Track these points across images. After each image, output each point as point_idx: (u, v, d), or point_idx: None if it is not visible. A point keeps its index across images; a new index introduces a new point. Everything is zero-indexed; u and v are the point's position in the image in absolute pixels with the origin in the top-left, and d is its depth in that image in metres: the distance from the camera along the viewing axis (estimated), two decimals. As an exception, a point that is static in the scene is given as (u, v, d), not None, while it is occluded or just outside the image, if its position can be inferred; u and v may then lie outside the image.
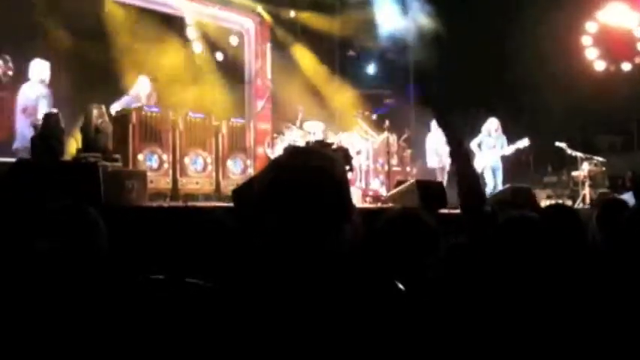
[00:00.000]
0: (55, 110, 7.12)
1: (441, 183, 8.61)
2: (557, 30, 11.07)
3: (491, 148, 10.16)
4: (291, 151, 1.63)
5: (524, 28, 10.81)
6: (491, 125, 10.24)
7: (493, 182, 9.95)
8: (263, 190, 1.47)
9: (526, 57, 11.00)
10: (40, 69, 7.58)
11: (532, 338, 1.88)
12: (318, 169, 1.47)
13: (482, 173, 9.81)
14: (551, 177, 11.79)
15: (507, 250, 2.13)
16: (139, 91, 8.35)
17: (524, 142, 10.11)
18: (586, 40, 12.61)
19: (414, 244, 2.25)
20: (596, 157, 10.70)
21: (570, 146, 10.67)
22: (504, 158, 10.23)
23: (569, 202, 10.22)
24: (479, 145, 10.15)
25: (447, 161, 9.91)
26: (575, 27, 12.36)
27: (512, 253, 2.12)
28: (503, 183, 9.95)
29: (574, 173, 10.84)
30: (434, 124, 9.40)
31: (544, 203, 9.70)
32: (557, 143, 10.76)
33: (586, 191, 10.36)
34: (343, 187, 1.51)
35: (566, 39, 12.00)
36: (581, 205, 10.10)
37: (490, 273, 2.15)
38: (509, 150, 10.18)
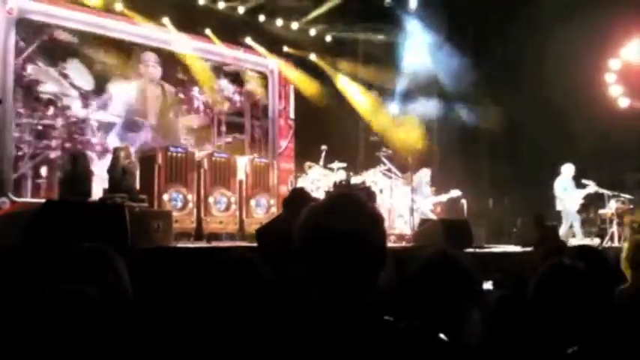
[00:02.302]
0: (82, 151, 7.27)
1: (466, 221, 8.52)
2: (581, 67, 11.04)
3: (426, 197, 10.38)
4: (333, 196, 1.62)
5: (548, 67, 10.81)
6: (426, 176, 10.46)
7: None
8: (304, 236, 1.47)
9: (549, 95, 10.97)
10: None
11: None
12: (362, 217, 1.45)
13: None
14: (579, 215, 11.63)
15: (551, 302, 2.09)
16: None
17: (456, 193, 10.36)
18: (610, 78, 12.56)
19: (454, 288, 2.16)
20: (623, 195, 10.57)
21: (598, 184, 10.56)
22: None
23: (597, 240, 10.06)
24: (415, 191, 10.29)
25: None
26: (599, 64, 12.33)
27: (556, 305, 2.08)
28: (527, 220, 9.97)
29: (601, 211, 10.70)
30: None
31: (572, 241, 9.57)
32: (584, 181, 10.65)
33: (614, 229, 10.21)
34: (383, 234, 1.50)
35: (591, 76, 11.95)
36: (609, 244, 9.92)
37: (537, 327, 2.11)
38: (441, 198, 10.47)
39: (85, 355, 1.52)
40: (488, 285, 4.80)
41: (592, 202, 11.12)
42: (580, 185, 10.44)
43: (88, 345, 1.52)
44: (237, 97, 8.47)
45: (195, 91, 8.33)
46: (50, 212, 4.70)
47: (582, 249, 2.80)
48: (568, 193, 10.39)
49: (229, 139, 8.97)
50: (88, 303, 1.59)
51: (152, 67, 8.48)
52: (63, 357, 1.50)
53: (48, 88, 7.73)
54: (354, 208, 1.47)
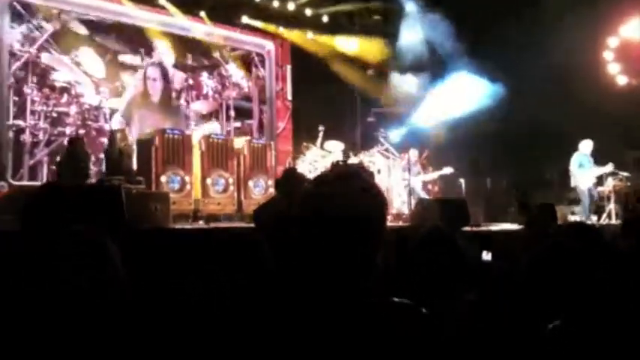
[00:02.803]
0: (79, 134, 7.29)
1: (463, 200, 8.55)
2: (579, 45, 11.00)
3: (414, 175, 10.38)
4: (335, 174, 1.58)
5: (546, 44, 10.77)
6: (413, 155, 10.44)
7: None
8: (303, 213, 1.44)
9: (547, 73, 10.93)
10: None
11: None
12: (363, 196, 1.43)
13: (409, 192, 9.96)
14: (574, 193, 11.66)
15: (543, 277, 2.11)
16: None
17: (448, 170, 10.42)
18: (608, 55, 12.52)
19: (448, 265, 2.16)
20: (621, 173, 10.59)
21: (595, 162, 10.57)
22: None
23: (594, 218, 10.10)
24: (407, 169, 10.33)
25: None
26: (597, 42, 12.29)
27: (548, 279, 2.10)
28: (528, 200, 9.94)
29: (599, 189, 10.72)
30: None
31: (569, 219, 9.61)
32: (605, 168, 10.66)
33: (611, 207, 10.24)
34: (384, 215, 1.48)
35: (589, 54, 11.92)
36: (607, 221, 9.96)
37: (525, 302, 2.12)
38: (433, 175, 10.55)
39: (81, 342, 1.53)
40: (488, 257, 4.85)
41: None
42: (598, 163, 10.38)
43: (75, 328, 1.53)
44: (245, 83, 8.27)
45: (205, 76, 8.17)
46: (47, 194, 4.70)
47: (576, 227, 2.80)
48: (584, 170, 10.31)
49: (238, 124, 8.84)
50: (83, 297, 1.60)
51: (163, 54, 8.37)
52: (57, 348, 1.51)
53: (61, 76, 7.73)
54: (356, 187, 1.44)
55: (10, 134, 7.78)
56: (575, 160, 10.44)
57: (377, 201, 1.45)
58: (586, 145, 10.50)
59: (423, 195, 10.24)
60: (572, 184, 10.50)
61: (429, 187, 10.59)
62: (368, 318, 1.36)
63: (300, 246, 1.42)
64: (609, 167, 10.39)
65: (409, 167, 9.95)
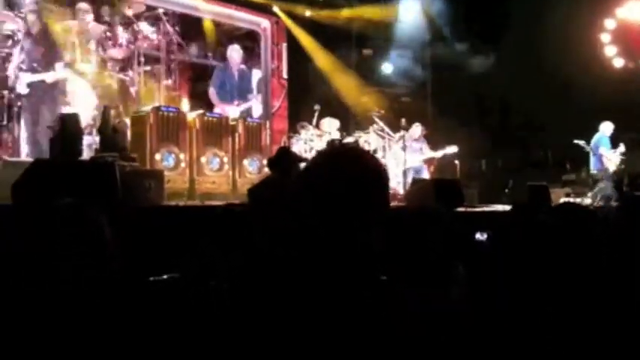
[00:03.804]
0: (73, 111, 7.22)
1: (457, 181, 8.57)
2: (575, 27, 10.97)
3: (415, 152, 10.45)
4: (336, 150, 1.57)
5: (543, 26, 10.73)
6: (415, 131, 10.53)
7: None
8: (305, 186, 1.42)
9: (543, 54, 10.91)
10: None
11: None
12: (366, 169, 1.42)
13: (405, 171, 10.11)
14: (570, 175, 11.68)
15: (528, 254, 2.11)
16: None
17: (452, 149, 10.40)
18: (605, 38, 12.48)
19: (439, 244, 2.16)
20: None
21: (589, 144, 10.58)
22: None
23: (587, 200, 10.12)
24: (402, 148, 10.32)
25: None
26: (593, 24, 12.24)
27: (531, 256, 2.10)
28: (520, 180, 9.99)
29: (593, 171, 10.74)
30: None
31: (563, 201, 9.64)
32: (576, 141, 10.67)
33: (598, 189, 10.26)
34: (386, 189, 1.46)
35: (585, 36, 11.88)
36: (600, 203, 9.99)
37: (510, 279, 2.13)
38: (436, 154, 10.54)
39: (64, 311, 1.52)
40: (482, 238, 4.85)
41: (583, 163, 11.16)
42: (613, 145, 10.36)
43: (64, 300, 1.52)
44: (154, 36, 9.09)
45: (120, 30, 8.72)
46: (39, 171, 4.68)
47: (562, 206, 2.80)
48: (608, 151, 10.29)
49: (148, 68, 9.19)
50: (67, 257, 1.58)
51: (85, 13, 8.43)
52: (43, 309, 1.50)
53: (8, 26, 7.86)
54: (357, 160, 1.43)
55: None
56: (599, 141, 10.35)
57: (378, 175, 1.43)
58: (607, 127, 10.44)
59: (425, 175, 10.25)
60: (595, 166, 10.41)
61: (422, 164, 10.57)
62: (366, 296, 1.35)
63: (299, 222, 1.41)
64: (622, 148, 10.36)
65: (404, 144, 9.96)
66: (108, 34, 8.62)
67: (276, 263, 1.44)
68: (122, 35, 8.72)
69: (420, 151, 10.56)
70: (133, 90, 8.85)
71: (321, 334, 1.30)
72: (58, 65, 7.56)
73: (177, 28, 9.57)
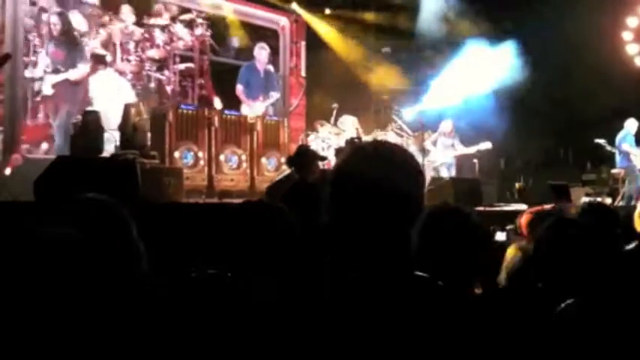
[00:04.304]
0: (94, 108, 7.31)
1: (477, 180, 8.54)
2: (598, 25, 10.84)
3: (447, 148, 10.34)
4: (374, 146, 1.51)
5: (564, 23, 10.62)
6: (446, 126, 10.40)
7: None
8: (336, 184, 1.37)
9: (564, 52, 10.81)
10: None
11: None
12: (402, 167, 1.38)
13: (437, 168, 10.19)
14: (590, 174, 11.58)
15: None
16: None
17: (486, 145, 10.28)
18: (627, 36, 12.33)
19: (460, 241, 2.12)
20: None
21: (609, 143, 10.46)
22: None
23: (608, 200, 10.02)
24: (434, 143, 10.33)
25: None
26: (615, 22, 12.09)
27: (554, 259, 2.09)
28: (535, 179, 9.93)
29: (613, 170, 10.63)
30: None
31: (584, 200, 9.54)
32: (597, 140, 10.56)
33: (626, 188, 10.14)
34: (418, 185, 1.41)
35: (608, 34, 11.74)
36: (621, 203, 9.89)
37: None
38: (470, 150, 10.39)
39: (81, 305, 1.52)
40: (502, 237, 4.84)
41: (604, 162, 11.05)
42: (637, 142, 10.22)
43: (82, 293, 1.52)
44: (188, 38, 9.62)
45: (157, 32, 9.21)
46: (61, 168, 4.73)
47: (591, 205, 2.79)
48: (634, 148, 10.13)
49: (182, 68, 9.69)
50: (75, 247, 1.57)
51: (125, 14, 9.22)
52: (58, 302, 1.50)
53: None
54: (390, 157, 1.38)
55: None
56: (625, 139, 10.16)
57: (415, 172, 1.40)
58: (632, 124, 10.28)
59: (445, 173, 10.17)
60: (621, 164, 10.24)
61: (453, 160, 10.45)
62: (404, 293, 1.33)
63: (333, 217, 1.36)
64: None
65: (424, 148, 9.94)
66: (146, 36, 9.11)
67: (317, 263, 1.42)
68: (159, 37, 9.20)
69: (451, 147, 10.43)
70: (169, 89, 9.32)
71: (369, 334, 1.28)
72: (81, 65, 7.67)
73: (209, 31, 10.02)
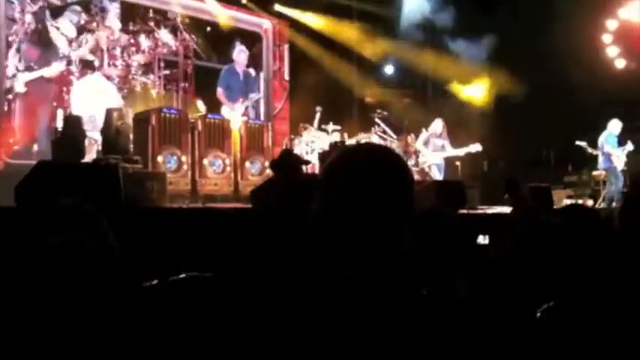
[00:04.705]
0: (76, 113, 7.27)
1: (461, 182, 8.56)
2: (577, 27, 10.96)
3: (438, 149, 10.28)
4: (361, 144, 1.52)
5: (544, 26, 10.72)
6: (437, 127, 10.33)
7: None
8: (332, 183, 1.37)
9: (545, 55, 10.90)
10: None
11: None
12: (388, 160, 1.39)
13: (428, 168, 10.18)
14: (572, 176, 11.68)
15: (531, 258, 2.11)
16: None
17: (476, 147, 10.24)
18: (606, 38, 12.48)
19: (442, 244, 2.12)
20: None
21: (591, 145, 10.56)
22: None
23: (590, 202, 10.11)
24: (425, 144, 10.28)
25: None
26: (595, 24, 12.23)
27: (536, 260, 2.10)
28: (522, 181, 9.95)
29: (594, 172, 10.72)
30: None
31: (565, 203, 9.61)
32: (578, 142, 10.65)
33: (607, 190, 10.23)
34: (413, 183, 1.43)
35: (587, 37, 11.87)
36: (602, 205, 9.98)
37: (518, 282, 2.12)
38: (459, 152, 10.34)
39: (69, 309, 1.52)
40: (484, 241, 4.86)
41: (585, 164, 11.15)
42: (620, 143, 10.29)
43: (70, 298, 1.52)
44: (172, 43, 9.89)
45: (142, 38, 9.48)
46: (42, 173, 4.69)
47: (570, 207, 2.80)
48: (616, 149, 10.20)
49: (167, 72, 9.90)
50: (88, 254, 1.58)
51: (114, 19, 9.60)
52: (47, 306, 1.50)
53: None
54: (385, 158, 1.39)
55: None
56: (607, 140, 10.22)
57: (405, 173, 1.41)
58: (615, 125, 10.34)
59: (442, 174, 10.15)
60: (604, 164, 10.31)
61: (441, 162, 10.40)
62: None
63: (324, 217, 1.36)
64: (630, 146, 10.25)
65: (427, 140, 9.96)
66: (132, 41, 9.39)
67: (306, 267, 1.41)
68: (144, 43, 9.47)
69: (442, 148, 10.32)
70: (154, 92, 9.56)
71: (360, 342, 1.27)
72: (56, 63, 8.16)
73: (193, 36, 10.28)
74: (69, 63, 8.66)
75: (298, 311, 1.32)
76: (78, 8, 9.25)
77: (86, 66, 8.80)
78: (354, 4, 12.45)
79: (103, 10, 9.48)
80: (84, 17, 9.21)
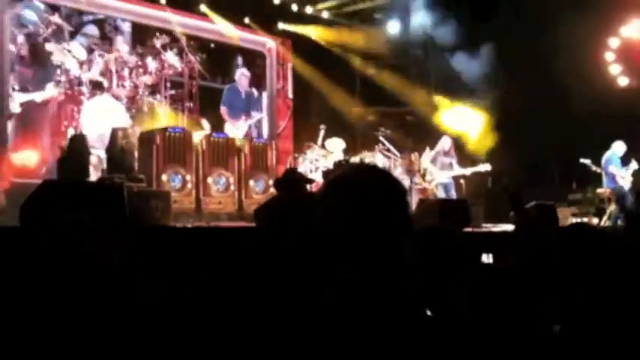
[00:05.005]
0: (86, 132, 7.34)
1: (465, 201, 8.55)
2: (581, 45, 11.00)
3: (445, 167, 10.18)
4: (358, 165, 1.57)
5: (547, 44, 10.77)
6: (445, 144, 10.27)
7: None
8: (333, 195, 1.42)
9: (550, 73, 10.92)
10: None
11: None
12: (388, 180, 1.45)
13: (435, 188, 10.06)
14: (576, 194, 11.65)
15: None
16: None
17: (485, 167, 10.24)
18: (609, 56, 12.51)
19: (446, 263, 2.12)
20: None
21: (595, 163, 10.54)
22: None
23: (595, 220, 10.08)
24: (433, 162, 10.21)
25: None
26: (598, 43, 12.28)
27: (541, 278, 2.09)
28: (526, 199, 9.91)
29: (599, 190, 10.70)
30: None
31: (570, 221, 9.58)
32: (582, 160, 10.64)
33: (612, 208, 10.20)
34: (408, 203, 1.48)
35: (590, 55, 11.91)
36: (608, 223, 9.94)
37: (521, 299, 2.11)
38: (467, 171, 10.28)
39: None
40: (488, 259, 4.84)
41: (590, 182, 11.12)
42: (624, 163, 10.27)
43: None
44: (178, 64, 10.12)
45: (149, 59, 9.73)
46: (47, 192, 4.70)
47: (574, 226, 2.79)
48: (621, 170, 10.17)
49: (173, 92, 10.18)
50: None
51: (123, 43, 10.06)
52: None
53: (57, 57, 8.92)
54: (382, 180, 1.44)
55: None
56: (611, 160, 10.22)
57: (402, 193, 1.45)
58: (619, 146, 10.33)
59: (453, 193, 10.05)
60: (608, 184, 10.26)
61: (450, 180, 10.29)
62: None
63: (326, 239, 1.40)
64: (634, 165, 10.22)
65: (435, 158, 9.92)
66: (139, 63, 9.68)
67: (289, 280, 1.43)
68: (151, 64, 9.75)
69: (449, 166, 10.22)
70: (160, 112, 9.76)
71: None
72: (49, 85, 8.49)
73: (197, 57, 10.56)
74: (79, 84, 8.94)
75: (298, 312, 1.34)
76: (90, 32, 9.66)
77: (96, 87, 9.10)
78: (357, 22, 12.51)
79: (117, 29, 9.98)
80: (94, 40, 9.61)
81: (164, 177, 7.53)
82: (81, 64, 9.02)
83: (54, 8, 9.38)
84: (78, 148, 6.41)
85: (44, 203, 4.53)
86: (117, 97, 9.17)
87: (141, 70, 9.66)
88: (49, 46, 8.82)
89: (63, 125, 8.72)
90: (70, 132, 8.26)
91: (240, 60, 11.74)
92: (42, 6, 9.30)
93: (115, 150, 6.74)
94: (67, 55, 8.80)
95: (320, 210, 1.42)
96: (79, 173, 6.07)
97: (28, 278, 1.62)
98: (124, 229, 4.34)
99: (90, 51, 9.40)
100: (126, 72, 9.46)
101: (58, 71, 8.83)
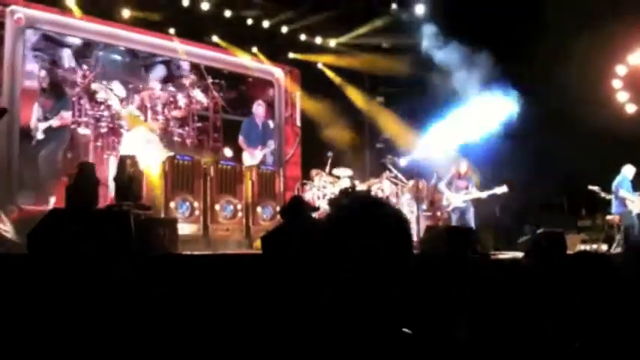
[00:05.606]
0: (89, 160, 7.38)
1: (471, 228, 8.52)
2: (588, 73, 11.02)
3: (460, 190, 10.09)
4: (362, 198, 1.59)
5: (554, 72, 10.79)
6: (461, 166, 10.18)
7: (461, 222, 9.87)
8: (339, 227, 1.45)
9: (558, 100, 10.94)
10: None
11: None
12: (394, 213, 1.47)
13: (451, 212, 9.97)
14: (585, 221, 11.59)
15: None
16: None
17: (502, 189, 10.09)
18: (616, 84, 12.54)
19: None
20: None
21: (603, 189, 10.50)
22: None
23: (604, 247, 10.00)
24: (448, 186, 10.13)
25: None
26: (606, 70, 12.31)
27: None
28: (534, 224, 9.86)
29: (608, 217, 10.63)
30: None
31: (580, 247, 9.52)
32: (590, 187, 10.60)
33: (621, 235, 10.13)
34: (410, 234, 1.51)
35: (598, 82, 11.94)
36: (617, 250, 9.86)
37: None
38: (483, 194, 10.13)
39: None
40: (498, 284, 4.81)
41: (598, 209, 11.06)
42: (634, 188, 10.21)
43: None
44: (204, 100, 11.23)
45: (179, 96, 10.83)
46: (55, 220, 4.73)
47: (581, 255, 2.79)
48: (632, 194, 10.09)
49: (200, 125, 11.12)
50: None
51: (157, 81, 10.90)
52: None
53: (101, 95, 9.87)
54: (386, 211, 1.47)
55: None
56: (621, 184, 10.15)
57: (405, 225, 1.47)
58: (629, 170, 10.29)
59: (471, 216, 9.91)
60: (617, 210, 10.23)
61: (465, 204, 10.14)
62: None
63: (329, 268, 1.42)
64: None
65: (450, 181, 9.86)
66: (170, 99, 10.81)
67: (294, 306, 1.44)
68: (181, 100, 10.98)
69: (465, 189, 10.13)
70: (188, 142, 10.89)
71: None
72: (64, 112, 9.17)
73: (221, 94, 11.59)
74: (119, 118, 9.92)
75: (298, 312, 1.35)
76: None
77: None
78: (365, 50, 12.59)
79: (179, 68, 11.14)
80: (132, 80, 10.50)
81: (172, 204, 7.56)
82: (121, 100, 10.06)
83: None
84: (87, 176, 6.46)
85: (52, 231, 4.55)
86: (151, 130, 10.09)
87: (172, 105, 10.78)
88: (95, 86, 9.80)
89: (105, 154, 9.55)
90: (112, 160, 9.23)
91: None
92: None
93: (123, 178, 6.78)
94: (109, 93, 9.90)
95: (321, 248, 1.43)
96: (87, 201, 6.10)
97: (36, 305, 1.64)
98: (130, 257, 4.35)
99: (128, 90, 10.29)
100: (159, 107, 10.54)
101: (102, 107, 9.80)
